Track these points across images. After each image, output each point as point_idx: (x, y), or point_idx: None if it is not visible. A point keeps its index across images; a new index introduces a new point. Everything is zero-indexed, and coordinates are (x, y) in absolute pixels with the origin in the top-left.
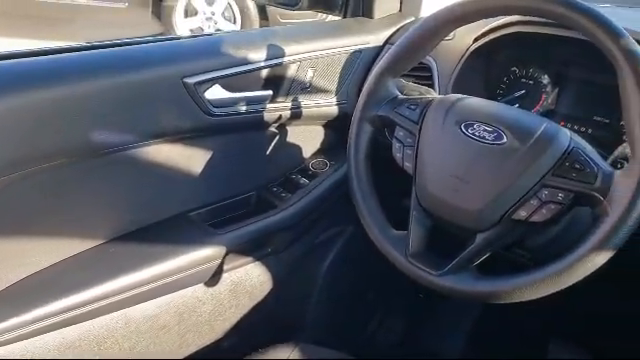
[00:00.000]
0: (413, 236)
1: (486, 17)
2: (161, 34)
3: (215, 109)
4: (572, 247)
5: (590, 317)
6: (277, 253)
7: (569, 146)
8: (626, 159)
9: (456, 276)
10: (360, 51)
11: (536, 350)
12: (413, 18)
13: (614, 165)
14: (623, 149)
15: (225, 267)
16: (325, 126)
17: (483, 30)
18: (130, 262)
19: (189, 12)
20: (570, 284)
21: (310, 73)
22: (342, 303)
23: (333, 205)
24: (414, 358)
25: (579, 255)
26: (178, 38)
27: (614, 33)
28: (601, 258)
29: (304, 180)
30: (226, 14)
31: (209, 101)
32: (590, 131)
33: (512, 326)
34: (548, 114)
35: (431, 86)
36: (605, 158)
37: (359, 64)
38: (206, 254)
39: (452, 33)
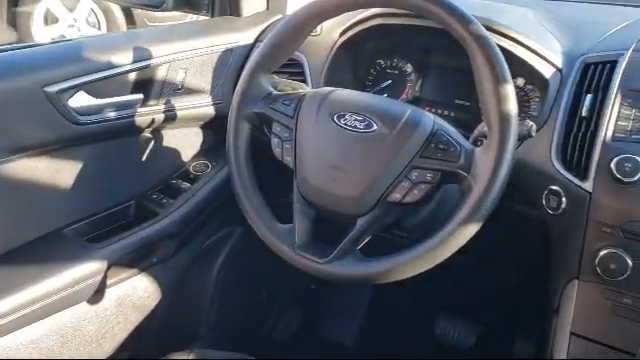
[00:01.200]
0: (299, 228)
1: (347, 11)
2: (17, 43)
3: (82, 117)
4: (444, 223)
5: (474, 293)
6: (163, 262)
7: (433, 129)
8: (485, 136)
9: (341, 261)
10: (231, 50)
11: (426, 325)
12: (280, 15)
13: (475, 143)
14: (482, 127)
15: (108, 282)
16: (203, 127)
17: (348, 24)
18: (2, 287)
19: (49, 19)
20: (446, 257)
21: (182, 74)
22: (237, 304)
23: (219, 207)
24: (312, 349)
25: (450, 229)
26: (36, 45)
27: (464, 20)
28: (470, 230)
29: (185, 184)
30: (90, 20)
31: (74, 109)
32: (453, 114)
33: (402, 305)
34: (414, 101)
35: (304, 81)
36: (467, 137)
37: (231, 63)
38: (86, 270)
39: (319, 28)
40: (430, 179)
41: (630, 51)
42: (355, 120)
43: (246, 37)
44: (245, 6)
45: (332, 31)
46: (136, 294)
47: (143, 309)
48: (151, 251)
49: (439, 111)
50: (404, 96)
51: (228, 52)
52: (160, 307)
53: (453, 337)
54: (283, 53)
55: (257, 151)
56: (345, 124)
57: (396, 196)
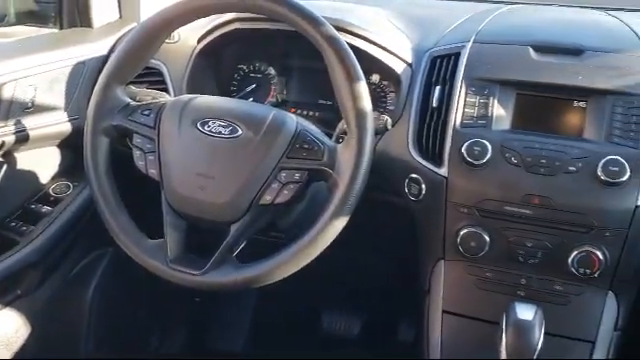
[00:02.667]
0: (170, 241)
1: (201, 17)
2: None
3: None
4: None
5: (355, 284)
6: (29, 293)
7: (296, 129)
8: (346, 133)
9: (218, 271)
10: (84, 63)
11: (312, 322)
12: (135, 24)
13: (338, 140)
14: (342, 125)
15: None
16: (60, 146)
17: (205, 30)
18: None
19: None
20: (319, 252)
21: (31, 92)
22: (116, 328)
23: (85, 229)
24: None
25: (320, 226)
26: None
27: (315, 22)
28: (339, 223)
29: (46, 208)
30: None
31: None
32: (318, 114)
33: (287, 306)
34: (280, 103)
35: (165, 90)
36: (330, 136)
37: (85, 76)
38: None
39: (176, 35)
40: (298, 178)
41: (470, 43)
42: (219, 126)
43: (99, 48)
44: (96, 16)
45: (190, 37)
46: (2, 331)
47: (11, 346)
48: (14, 283)
49: (304, 112)
50: (270, 99)
51: (80, 65)
52: (30, 342)
53: (340, 329)
54: (138, 62)
55: (121, 166)
56: (209, 131)
57: (267, 198)
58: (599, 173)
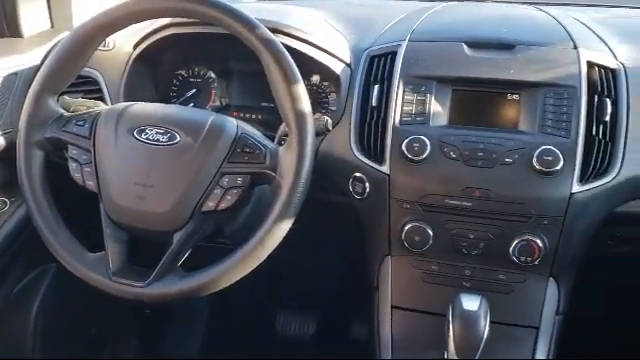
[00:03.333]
0: (111, 254)
1: (134, 22)
2: None
3: None
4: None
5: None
6: None
7: (237, 133)
8: (287, 135)
9: (162, 281)
10: (16, 74)
11: (266, 325)
12: (67, 32)
13: (280, 143)
14: (284, 127)
15: None
16: None
17: (141, 36)
18: None
19: None
20: (266, 255)
21: None
22: (64, 347)
23: (24, 246)
24: None
25: (265, 229)
26: None
27: (250, 25)
28: (284, 226)
29: None
30: None
31: None
32: (260, 116)
33: (241, 310)
34: (223, 108)
35: (102, 99)
36: (273, 138)
37: (18, 87)
38: None
39: (110, 42)
40: (241, 183)
41: (406, 41)
42: (157, 133)
43: (32, 58)
44: (25, 26)
45: (126, 44)
46: None
47: None
48: None
49: (247, 115)
50: (211, 104)
51: (12, 76)
52: None
53: (294, 330)
54: (69, 71)
55: (58, 178)
56: (146, 139)
57: (210, 205)
58: (534, 163)
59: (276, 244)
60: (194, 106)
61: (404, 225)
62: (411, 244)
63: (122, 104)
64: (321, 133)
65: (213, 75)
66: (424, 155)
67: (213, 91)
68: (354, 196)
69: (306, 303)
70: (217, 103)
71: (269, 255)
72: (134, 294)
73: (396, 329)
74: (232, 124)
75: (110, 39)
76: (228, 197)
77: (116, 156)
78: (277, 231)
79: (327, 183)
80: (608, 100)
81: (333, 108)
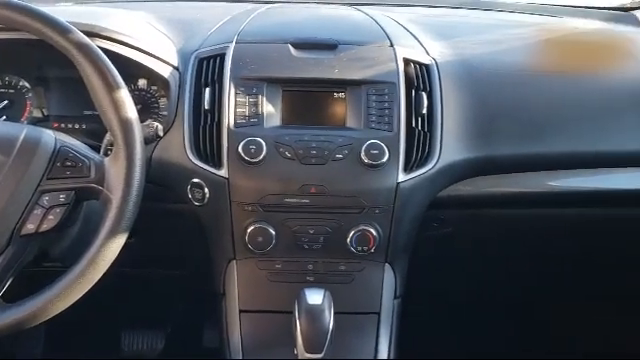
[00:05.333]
0: None
1: None
2: None
3: None
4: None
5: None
6: None
7: (55, 146)
8: (113, 145)
9: None
10: None
11: (112, 343)
12: None
13: (106, 153)
14: (109, 136)
15: None
16: None
17: None
18: None
19: None
20: (99, 276)
21: None
22: None
23: None
24: None
25: (96, 248)
26: None
27: (61, 29)
28: (118, 242)
29: None
30: None
31: None
32: (85, 126)
33: (84, 328)
34: (43, 119)
35: None
36: (99, 149)
37: None
38: None
39: None
40: (64, 200)
41: (233, 43)
42: None
43: None
44: None
45: None
46: None
47: None
48: None
49: (70, 125)
50: (27, 115)
51: None
52: None
53: (141, 348)
54: None
55: None
56: None
57: (30, 227)
58: (363, 157)
59: (109, 263)
60: (6, 119)
61: (247, 227)
62: (255, 245)
63: None
64: (151, 140)
65: (27, 84)
66: (261, 156)
67: (28, 102)
68: (194, 203)
69: (154, 317)
70: (37, 114)
71: (112, 272)
72: None
73: (245, 332)
74: (49, 137)
75: None
76: (50, 217)
77: None
78: (109, 249)
79: (164, 192)
80: (424, 94)
81: (164, 113)
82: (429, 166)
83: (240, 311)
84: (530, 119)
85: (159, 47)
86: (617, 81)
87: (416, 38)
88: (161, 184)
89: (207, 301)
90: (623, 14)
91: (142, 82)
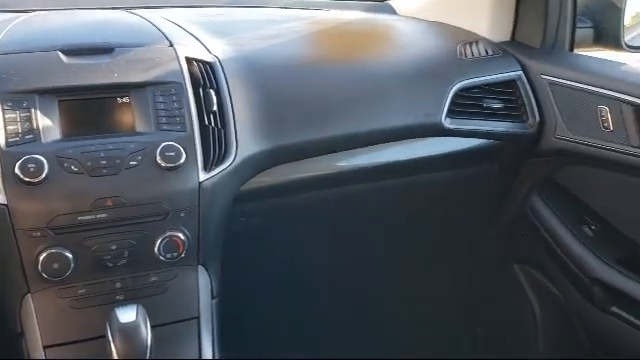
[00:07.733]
0: None
1: None
2: None
3: None
4: None
5: None
6: None
7: None
8: None
9: None
10: None
11: None
12: None
13: None
14: None
15: None
16: None
17: None
18: None
19: None
20: None
21: None
22: None
23: None
24: None
25: None
26: None
27: None
28: None
29: None
30: None
31: None
32: None
33: None
34: None
35: None
36: None
37: None
38: None
39: None
40: None
41: None
42: None
43: None
44: None
45: None
46: None
47: None
48: None
49: None
50: None
51: None
52: None
53: None
54: None
55: None
56: None
57: None
58: (159, 161)
59: None
60: None
61: (38, 255)
62: (50, 274)
63: None
64: None
65: None
66: (43, 175)
67: None
68: None
69: None
70: None
71: None
72: None
73: None
74: None
75: None
76: None
77: None
78: None
79: None
80: (212, 91)
81: None
82: (228, 162)
83: (44, 347)
84: (312, 107)
85: None
86: (381, 64)
87: (196, 37)
88: None
89: (5, 345)
90: (380, 4)
91: None
